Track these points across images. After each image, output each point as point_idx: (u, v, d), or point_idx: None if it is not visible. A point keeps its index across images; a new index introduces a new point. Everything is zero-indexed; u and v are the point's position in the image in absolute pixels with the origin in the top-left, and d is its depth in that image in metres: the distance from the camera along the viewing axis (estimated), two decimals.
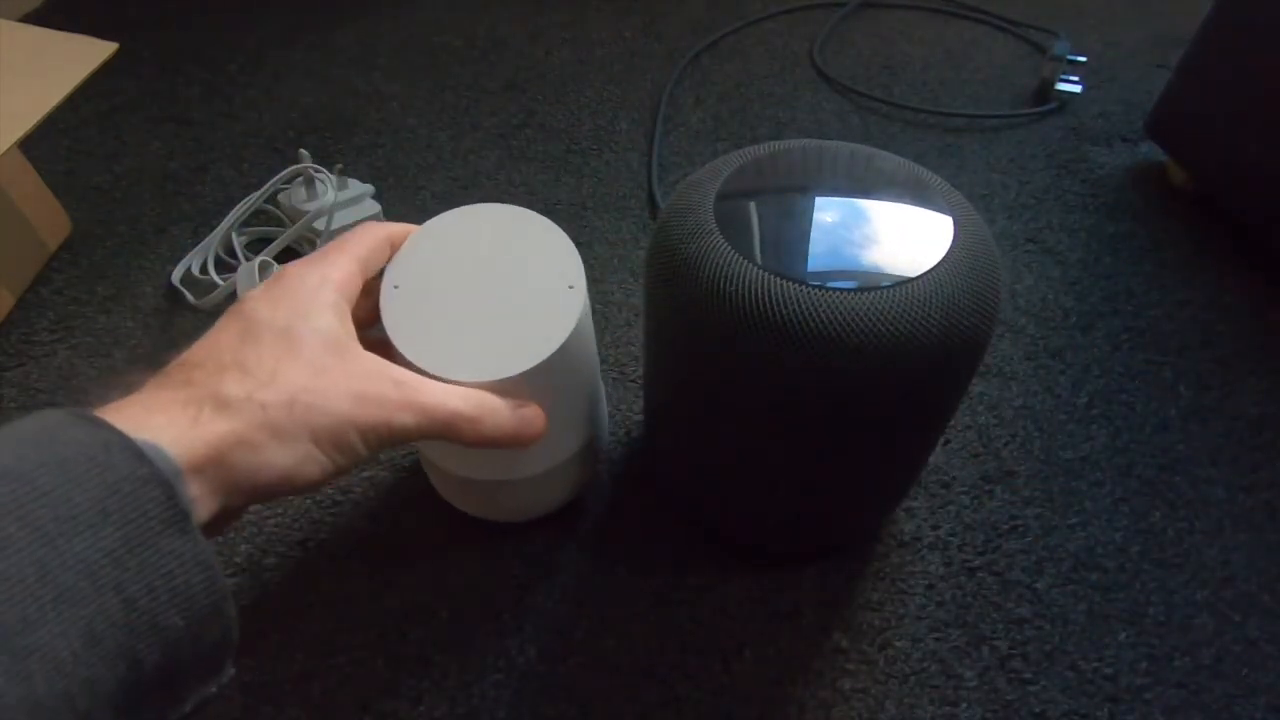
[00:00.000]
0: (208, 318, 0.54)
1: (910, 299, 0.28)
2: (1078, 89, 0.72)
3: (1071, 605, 0.40)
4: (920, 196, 0.33)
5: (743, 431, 0.34)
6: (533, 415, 0.33)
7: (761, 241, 0.31)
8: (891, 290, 0.29)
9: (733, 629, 0.40)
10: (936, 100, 0.73)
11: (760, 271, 0.29)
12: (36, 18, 0.85)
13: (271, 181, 0.57)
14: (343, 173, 0.57)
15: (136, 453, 0.22)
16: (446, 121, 0.72)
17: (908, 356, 0.29)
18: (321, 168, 0.56)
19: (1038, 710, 0.37)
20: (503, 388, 0.33)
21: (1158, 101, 0.63)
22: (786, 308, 0.28)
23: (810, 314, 0.28)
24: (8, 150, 0.44)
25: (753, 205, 0.32)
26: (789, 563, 0.42)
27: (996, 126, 0.70)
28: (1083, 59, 0.74)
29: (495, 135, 0.70)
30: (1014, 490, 0.45)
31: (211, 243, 0.57)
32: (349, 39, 0.82)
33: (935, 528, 0.43)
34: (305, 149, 0.57)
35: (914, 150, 0.68)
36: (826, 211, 0.32)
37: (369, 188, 0.58)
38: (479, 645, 0.39)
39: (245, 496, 0.26)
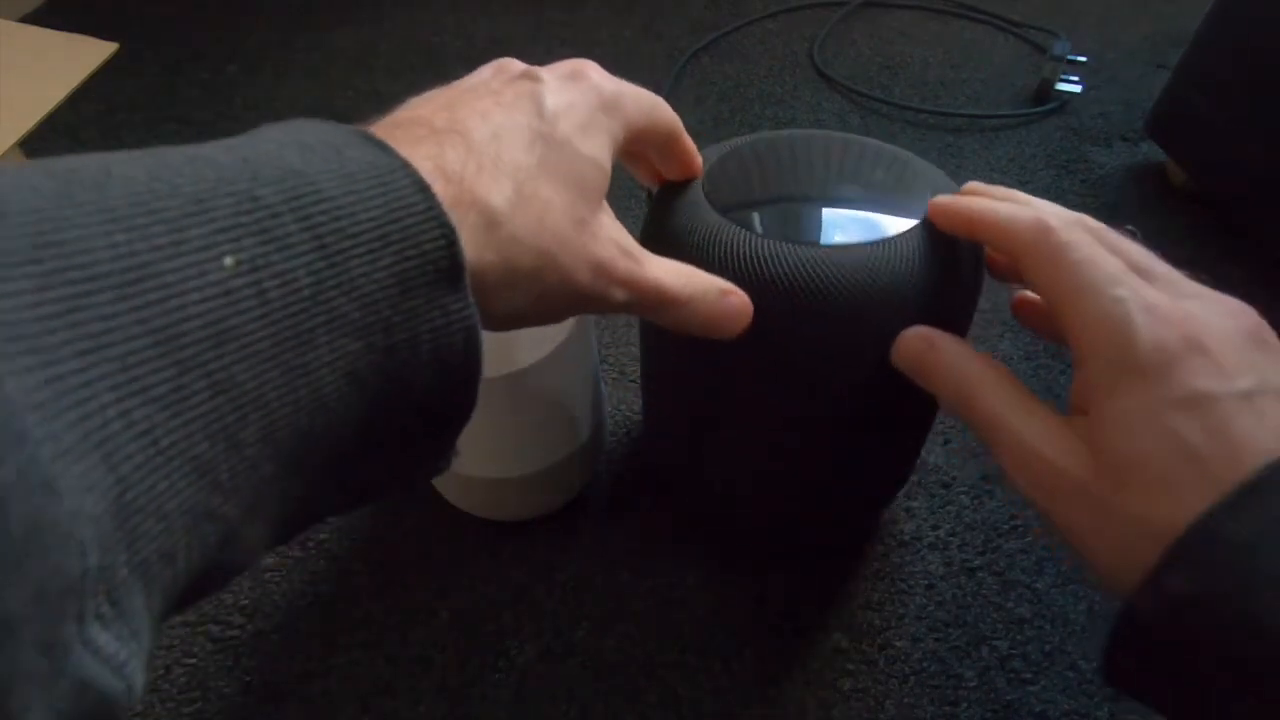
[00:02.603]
0: None
1: (895, 253, 0.29)
2: (1078, 89, 0.72)
3: (1071, 605, 0.40)
4: (902, 169, 0.34)
5: (736, 405, 0.34)
6: (741, 306, 0.28)
7: (749, 210, 0.31)
8: (876, 245, 0.29)
9: (733, 629, 0.40)
10: (936, 100, 0.73)
11: (748, 234, 0.30)
12: (36, 18, 0.85)
13: None
14: None
15: (423, 186, 0.19)
16: None
17: (895, 309, 0.29)
18: None
19: (1038, 710, 0.37)
20: (503, 385, 0.33)
21: (1158, 101, 0.63)
22: (774, 265, 0.29)
23: (799, 270, 0.29)
24: (8, 150, 0.44)
25: (741, 181, 0.33)
26: (788, 560, 0.42)
27: (996, 126, 0.70)
28: (1083, 59, 0.74)
29: None
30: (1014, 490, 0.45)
31: None
32: (349, 39, 0.82)
33: (935, 528, 0.43)
34: None
35: (914, 150, 0.67)
36: (813, 184, 0.33)
37: None
38: (479, 645, 0.39)
39: None
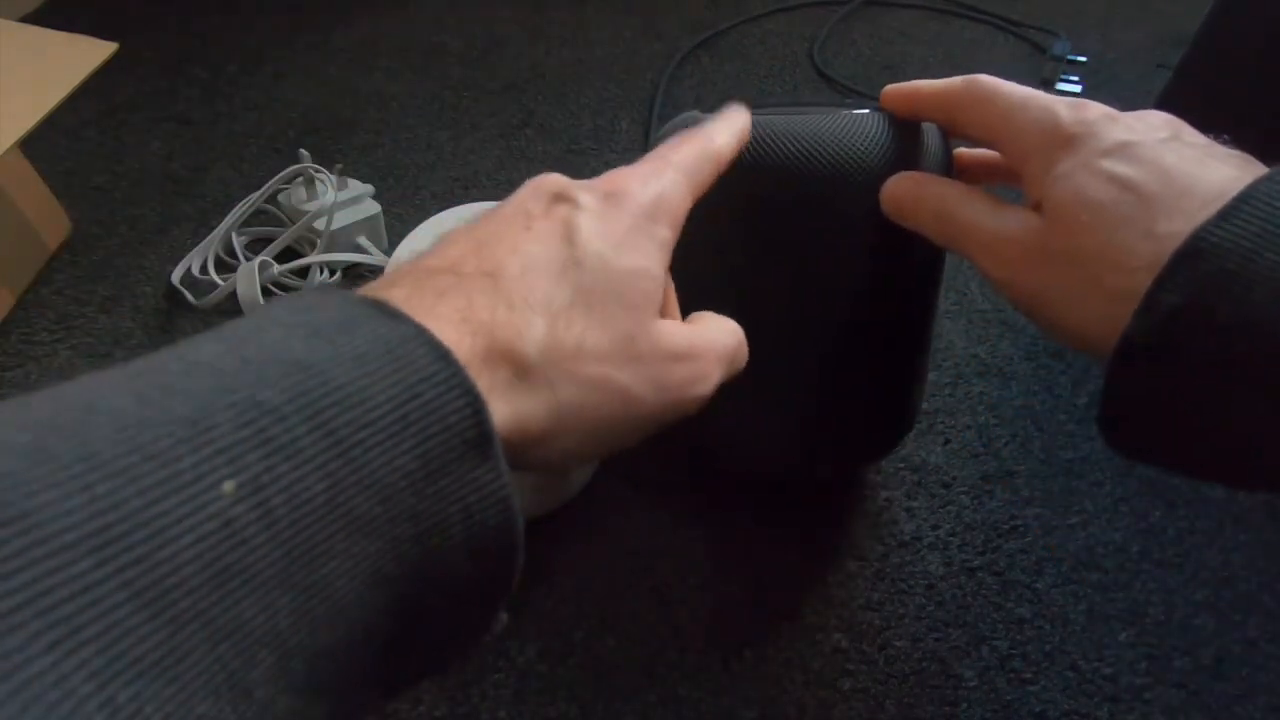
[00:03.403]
0: (208, 318, 0.54)
1: (865, 123, 0.31)
2: (1078, 89, 0.72)
3: (1071, 605, 0.40)
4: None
5: (734, 298, 0.35)
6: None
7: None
8: (847, 116, 0.32)
9: (733, 629, 0.40)
10: None
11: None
12: (36, 18, 0.85)
13: (271, 181, 0.57)
14: (343, 173, 0.57)
15: (442, 353, 0.18)
16: (446, 121, 0.72)
17: (870, 170, 0.31)
18: (321, 168, 0.56)
19: (1038, 710, 0.37)
20: None
21: (1158, 101, 0.63)
22: (759, 134, 0.31)
23: (782, 137, 0.31)
24: (8, 150, 0.44)
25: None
26: (792, 514, 0.42)
27: None
28: (1083, 59, 0.74)
29: (495, 135, 0.70)
30: (1014, 490, 0.45)
31: (211, 243, 0.57)
32: (349, 39, 0.82)
33: (935, 528, 0.43)
34: (305, 149, 0.57)
35: None
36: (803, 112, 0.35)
37: (369, 188, 0.58)
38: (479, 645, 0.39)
39: None
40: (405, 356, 0.17)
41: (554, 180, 0.25)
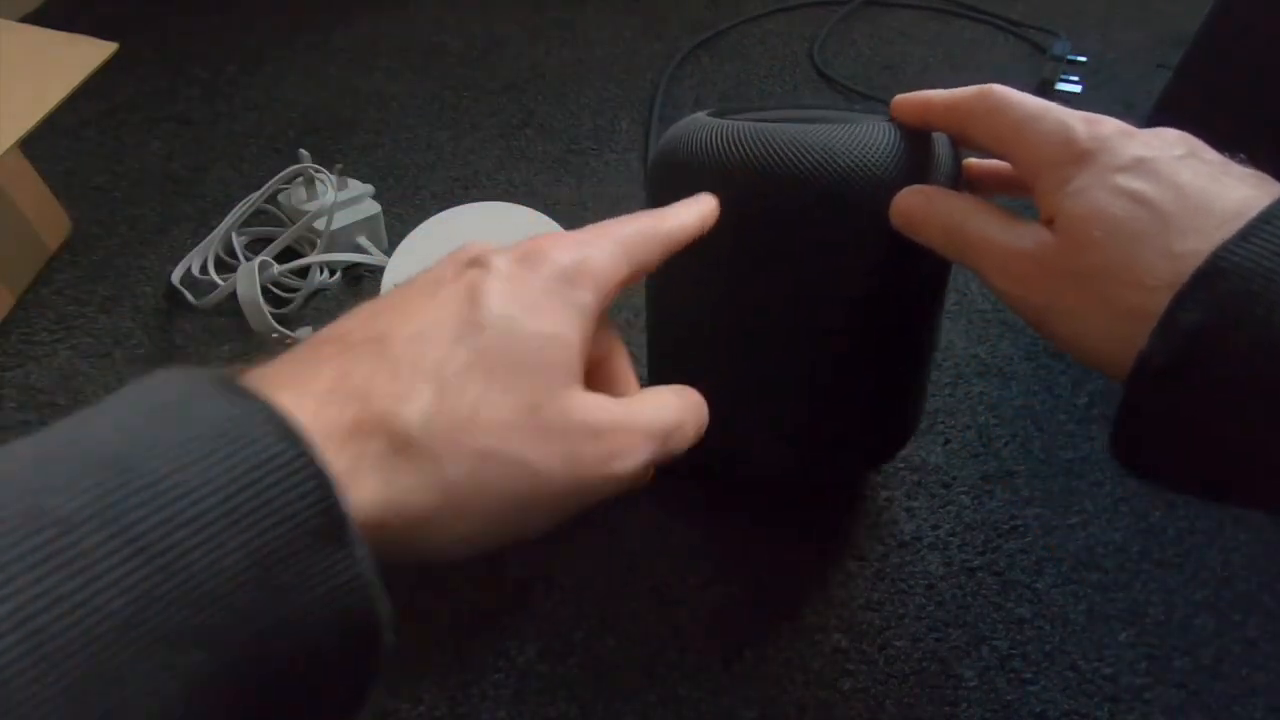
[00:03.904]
0: (208, 318, 0.54)
1: (873, 132, 0.31)
2: (1078, 89, 0.72)
3: (1071, 605, 0.40)
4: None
5: (738, 312, 0.35)
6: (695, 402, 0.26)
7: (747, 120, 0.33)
8: (856, 125, 0.32)
9: (733, 629, 0.40)
10: None
11: (743, 123, 0.32)
12: (36, 18, 0.85)
13: (271, 181, 0.57)
14: (343, 173, 0.57)
15: (287, 431, 0.16)
16: (446, 121, 0.72)
17: (876, 184, 0.31)
18: (321, 168, 0.56)
19: (1038, 710, 0.37)
20: None
21: (1158, 101, 0.63)
22: (768, 145, 0.31)
23: (791, 146, 0.31)
24: (8, 150, 0.44)
25: (738, 117, 0.35)
26: (793, 515, 0.42)
27: None
28: (1083, 59, 0.74)
29: (495, 135, 0.70)
30: (1014, 490, 0.45)
31: (211, 243, 0.57)
32: (349, 39, 0.82)
33: (935, 528, 0.43)
34: (305, 149, 0.57)
35: None
36: (805, 117, 0.35)
37: (369, 188, 0.58)
38: (479, 645, 0.39)
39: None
40: (242, 438, 0.15)
41: (474, 246, 0.23)
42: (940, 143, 0.32)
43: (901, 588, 0.41)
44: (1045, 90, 0.72)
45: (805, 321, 0.34)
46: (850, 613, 0.40)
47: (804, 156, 0.31)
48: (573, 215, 0.62)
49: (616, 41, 0.82)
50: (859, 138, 0.31)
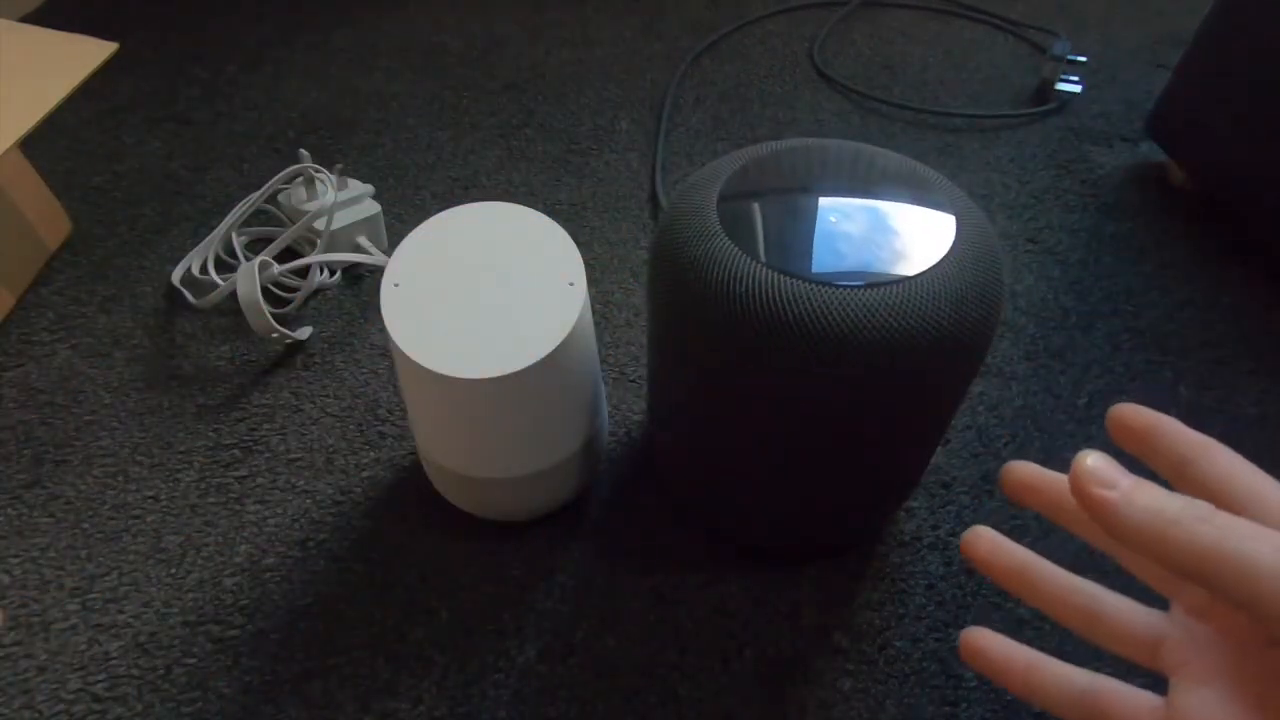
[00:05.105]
0: (208, 318, 0.54)
1: (915, 294, 0.29)
2: (1078, 89, 0.72)
3: None
4: (922, 194, 0.33)
5: (748, 429, 0.34)
6: None
7: (766, 241, 0.31)
8: (897, 286, 0.29)
9: (733, 629, 0.40)
10: (936, 100, 0.73)
11: (767, 270, 0.29)
12: (36, 18, 0.85)
13: (271, 181, 0.57)
14: (343, 173, 0.57)
15: None
16: (446, 121, 0.72)
17: (913, 352, 0.29)
18: (321, 168, 0.56)
19: (1037, 711, 0.37)
20: (503, 385, 0.33)
21: (1158, 101, 0.63)
22: (796, 306, 0.29)
23: (819, 311, 0.28)
24: (8, 150, 0.44)
25: (756, 205, 0.33)
26: (789, 562, 0.42)
27: (996, 126, 0.70)
28: (1083, 59, 0.74)
29: (495, 135, 0.70)
30: None
31: (211, 243, 0.57)
32: (349, 39, 0.82)
33: (935, 528, 0.43)
34: (305, 149, 0.57)
35: (914, 150, 0.68)
36: (830, 210, 0.32)
37: (369, 188, 0.58)
38: (479, 645, 0.39)
39: None
40: None
41: None
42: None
43: (901, 588, 0.41)
44: (1045, 90, 0.72)
45: (821, 443, 0.33)
46: (850, 613, 0.40)
47: (818, 348, 0.29)
48: (573, 215, 0.62)
49: (616, 41, 0.82)
50: (907, 299, 0.29)
